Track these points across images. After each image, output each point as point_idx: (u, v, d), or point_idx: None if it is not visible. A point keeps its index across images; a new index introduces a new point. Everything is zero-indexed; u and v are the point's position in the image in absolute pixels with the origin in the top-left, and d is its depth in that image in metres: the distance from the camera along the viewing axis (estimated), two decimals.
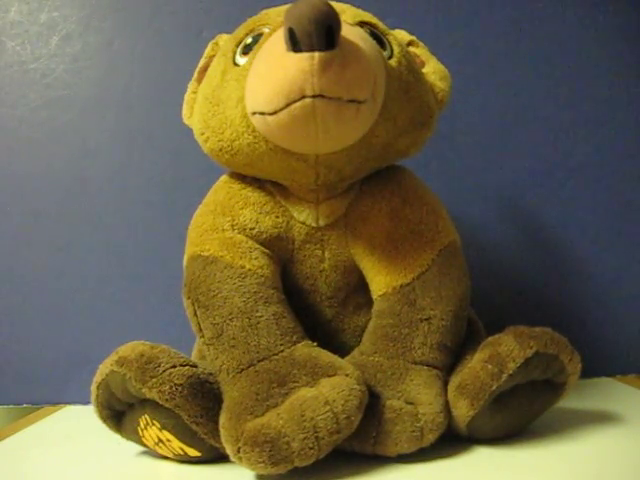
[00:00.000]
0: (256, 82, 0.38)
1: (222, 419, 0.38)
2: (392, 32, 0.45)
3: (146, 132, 0.66)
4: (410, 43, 0.48)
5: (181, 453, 0.41)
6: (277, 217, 0.45)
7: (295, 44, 0.35)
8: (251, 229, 0.44)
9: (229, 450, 0.36)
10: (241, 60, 0.42)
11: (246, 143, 0.41)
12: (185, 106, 0.48)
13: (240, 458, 0.36)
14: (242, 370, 0.39)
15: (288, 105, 0.36)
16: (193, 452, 0.40)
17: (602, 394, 0.56)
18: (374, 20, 0.44)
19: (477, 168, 0.66)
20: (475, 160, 0.66)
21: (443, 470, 0.38)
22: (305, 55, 0.35)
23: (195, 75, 0.48)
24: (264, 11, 0.44)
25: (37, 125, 0.67)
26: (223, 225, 0.44)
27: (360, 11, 0.44)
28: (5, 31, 0.66)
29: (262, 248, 0.44)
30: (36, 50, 0.67)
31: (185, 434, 0.39)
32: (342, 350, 0.43)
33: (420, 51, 0.48)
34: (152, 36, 0.66)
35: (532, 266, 0.67)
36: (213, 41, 0.48)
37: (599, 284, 0.67)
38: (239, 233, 0.44)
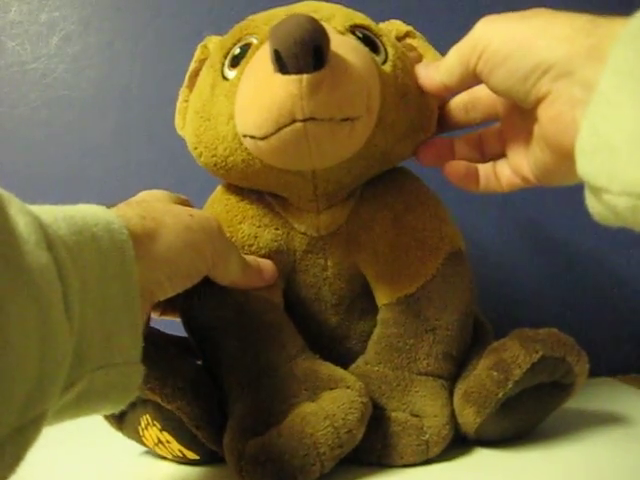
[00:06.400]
0: (245, 104, 0.37)
1: (225, 439, 0.37)
2: (387, 28, 0.43)
3: (146, 132, 0.66)
4: (407, 34, 0.45)
5: (180, 455, 0.41)
6: (277, 229, 0.43)
7: (282, 66, 0.33)
8: (249, 246, 0.43)
9: (232, 468, 0.36)
10: (230, 73, 0.40)
11: (240, 159, 0.39)
12: (178, 115, 0.46)
13: (243, 477, 0.35)
14: (243, 388, 0.39)
15: (279, 130, 0.35)
16: (192, 455, 0.40)
17: (602, 394, 0.56)
18: (367, 22, 0.42)
19: None
20: None
21: (444, 471, 0.38)
22: (293, 77, 0.33)
23: (186, 82, 0.46)
24: (251, 17, 0.42)
25: (37, 125, 0.66)
26: None
27: (351, 12, 0.42)
28: (5, 31, 0.66)
29: None
30: (36, 50, 0.66)
31: (185, 437, 0.39)
32: (348, 356, 0.43)
33: (417, 42, 0.45)
34: (152, 36, 0.66)
35: (532, 266, 0.67)
36: (202, 43, 0.46)
37: (599, 284, 0.67)
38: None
